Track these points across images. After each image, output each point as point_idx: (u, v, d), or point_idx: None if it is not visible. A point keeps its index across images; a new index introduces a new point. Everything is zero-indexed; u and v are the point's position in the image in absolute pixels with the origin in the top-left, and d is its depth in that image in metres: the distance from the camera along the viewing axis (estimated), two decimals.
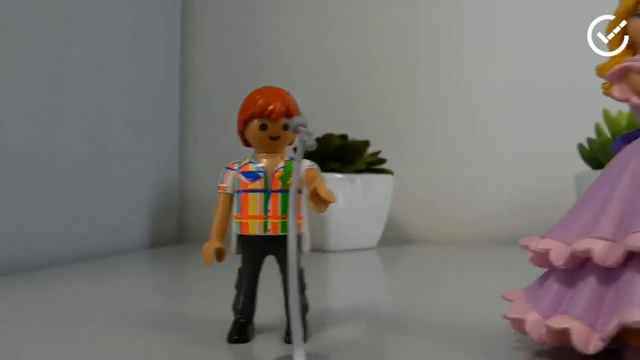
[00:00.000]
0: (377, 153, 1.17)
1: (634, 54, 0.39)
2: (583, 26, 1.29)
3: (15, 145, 0.83)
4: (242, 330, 0.43)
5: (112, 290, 0.69)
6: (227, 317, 0.44)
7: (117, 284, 0.75)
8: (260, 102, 0.42)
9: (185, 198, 1.43)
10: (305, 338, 0.43)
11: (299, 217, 0.43)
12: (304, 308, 0.45)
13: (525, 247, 0.39)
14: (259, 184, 0.42)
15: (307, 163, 0.43)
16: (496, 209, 1.30)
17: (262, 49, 1.46)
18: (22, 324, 0.50)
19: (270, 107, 0.42)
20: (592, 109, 1.11)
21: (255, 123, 0.42)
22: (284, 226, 0.42)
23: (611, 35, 0.39)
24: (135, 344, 0.43)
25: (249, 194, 0.42)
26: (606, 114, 1.10)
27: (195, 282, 0.79)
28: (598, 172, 1.07)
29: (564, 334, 0.34)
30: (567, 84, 1.31)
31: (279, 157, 0.43)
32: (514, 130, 1.32)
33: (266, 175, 0.42)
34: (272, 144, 0.43)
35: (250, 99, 0.43)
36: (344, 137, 1.15)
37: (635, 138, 0.38)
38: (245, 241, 0.43)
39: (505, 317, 0.38)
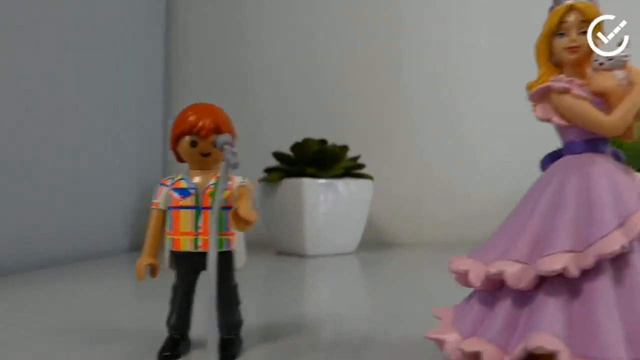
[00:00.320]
0: (356, 158, 1.17)
1: (561, 72, 0.38)
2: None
3: None
4: (174, 347, 0.43)
5: (69, 299, 0.69)
6: None
7: (79, 291, 0.75)
8: (190, 119, 0.42)
9: None
10: (235, 354, 0.43)
11: (229, 234, 0.43)
12: (237, 324, 0.45)
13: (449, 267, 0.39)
14: (189, 201, 0.42)
15: (238, 180, 0.43)
16: (481, 210, 1.29)
17: (246, 54, 1.46)
18: None
19: (200, 124, 0.42)
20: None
21: (187, 140, 0.42)
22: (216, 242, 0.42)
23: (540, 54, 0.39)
24: (65, 357, 0.43)
25: (180, 210, 0.42)
26: None
27: (164, 288, 0.79)
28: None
29: (477, 356, 0.34)
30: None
31: (211, 174, 0.43)
32: (499, 131, 1.32)
33: (197, 192, 0.42)
34: (203, 160, 0.43)
35: (182, 115, 0.43)
36: (322, 142, 1.15)
37: (560, 157, 0.38)
38: (178, 257, 0.43)
39: (426, 337, 0.38)
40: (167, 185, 0.43)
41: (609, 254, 0.32)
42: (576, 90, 0.36)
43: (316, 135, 1.18)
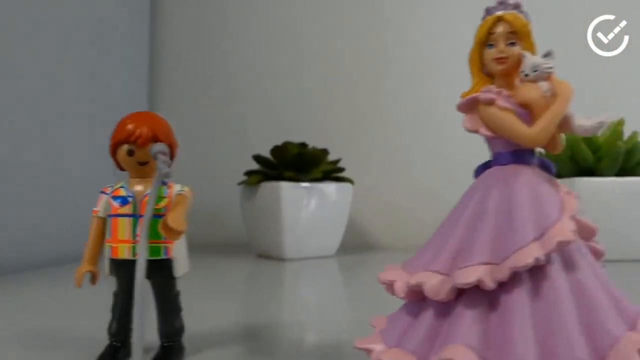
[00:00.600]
0: (337, 161, 1.17)
1: (493, 83, 0.38)
2: (548, 27, 1.28)
3: None
4: (112, 354, 0.43)
5: (31, 304, 0.69)
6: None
7: (44, 295, 0.75)
8: (128, 127, 0.42)
9: None
10: None
11: (168, 242, 0.43)
12: (178, 331, 0.45)
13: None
14: (127, 209, 0.43)
15: (177, 188, 0.43)
16: None
17: (230, 57, 1.46)
18: None
19: (137, 133, 0.42)
20: None
21: (124, 148, 0.42)
22: (154, 250, 0.42)
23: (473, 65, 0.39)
24: None
25: (119, 218, 0.43)
26: None
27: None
28: (559, 181, 1.07)
29: None
30: None
31: (150, 182, 0.43)
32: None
33: (135, 200, 0.43)
34: (141, 169, 0.43)
35: (121, 124, 0.43)
36: (303, 145, 1.15)
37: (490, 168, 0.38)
38: (117, 264, 0.43)
39: (355, 346, 0.38)
40: (107, 194, 0.44)
41: (522, 266, 0.32)
42: (501, 102, 0.36)
43: (301, 138, 1.19)
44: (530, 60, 0.36)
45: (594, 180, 1.02)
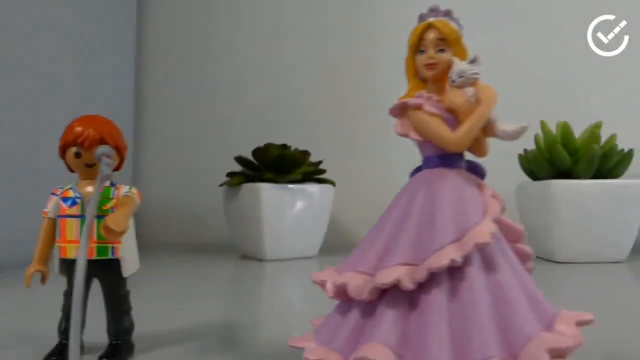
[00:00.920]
0: (318, 163, 1.18)
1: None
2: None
3: None
4: (60, 352, 0.44)
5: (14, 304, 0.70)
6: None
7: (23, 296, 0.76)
8: (75, 130, 0.43)
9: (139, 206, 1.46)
10: (122, 359, 0.44)
11: (115, 242, 0.44)
12: (127, 330, 0.46)
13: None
14: (75, 210, 0.44)
15: (125, 189, 0.44)
16: None
17: (215, 61, 1.48)
18: None
19: (84, 135, 0.43)
20: (538, 119, 1.11)
21: (72, 150, 0.43)
22: (100, 250, 0.43)
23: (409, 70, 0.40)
24: None
25: (67, 219, 0.44)
26: (543, 125, 1.10)
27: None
28: (536, 184, 1.08)
29: None
30: (512, 92, 1.31)
31: None
32: None
33: (82, 201, 0.44)
34: (88, 171, 0.44)
35: (69, 126, 0.44)
36: (284, 146, 1.16)
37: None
38: (67, 264, 0.44)
39: (289, 344, 0.39)
40: (56, 195, 0.45)
41: (438, 267, 0.32)
42: (428, 107, 0.36)
43: (285, 140, 1.20)
44: (457, 66, 0.37)
45: (571, 183, 1.02)
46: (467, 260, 0.34)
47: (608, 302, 0.69)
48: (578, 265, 1.01)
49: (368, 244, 0.37)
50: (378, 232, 0.37)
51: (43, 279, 0.45)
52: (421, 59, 0.38)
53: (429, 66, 0.38)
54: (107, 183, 0.44)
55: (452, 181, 0.36)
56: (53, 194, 0.45)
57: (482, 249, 0.34)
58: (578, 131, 1.08)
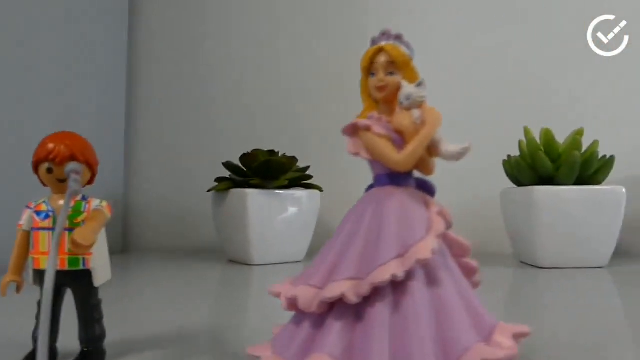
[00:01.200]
0: (305, 169, 1.20)
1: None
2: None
3: None
4: (34, 358, 0.46)
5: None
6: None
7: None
8: (48, 146, 0.45)
9: (129, 210, 1.48)
10: None
11: (87, 253, 0.46)
12: (98, 338, 0.48)
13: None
14: (47, 223, 0.45)
15: (96, 203, 0.46)
16: None
17: (205, 66, 1.49)
18: None
19: (55, 152, 0.45)
20: (520, 125, 1.13)
21: (44, 166, 0.45)
22: (72, 261, 0.45)
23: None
24: None
25: (40, 231, 0.46)
26: (526, 132, 1.11)
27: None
28: (520, 190, 1.09)
29: None
30: (497, 97, 1.33)
31: None
32: (451, 139, 1.33)
33: (54, 214, 0.45)
34: (60, 186, 0.46)
35: (41, 143, 0.46)
36: (271, 152, 1.18)
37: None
38: (40, 275, 0.46)
39: (248, 352, 0.41)
40: (30, 208, 0.47)
41: (380, 282, 0.34)
42: (377, 129, 0.38)
43: (274, 146, 1.22)
44: (405, 89, 0.38)
45: (553, 189, 1.04)
46: (410, 275, 0.35)
47: (590, 307, 0.71)
48: (560, 270, 1.02)
49: (321, 258, 0.39)
50: (331, 246, 0.39)
51: (18, 289, 0.46)
52: (372, 81, 0.40)
53: (379, 88, 0.40)
54: (79, 197, 0.46)
55: (399, 199, 0.38)
56: (27, 207, 0.47)
57: (424, 265, 0.36)
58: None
